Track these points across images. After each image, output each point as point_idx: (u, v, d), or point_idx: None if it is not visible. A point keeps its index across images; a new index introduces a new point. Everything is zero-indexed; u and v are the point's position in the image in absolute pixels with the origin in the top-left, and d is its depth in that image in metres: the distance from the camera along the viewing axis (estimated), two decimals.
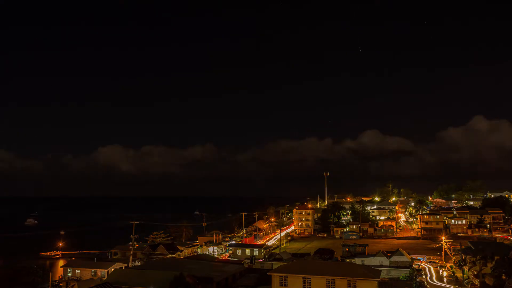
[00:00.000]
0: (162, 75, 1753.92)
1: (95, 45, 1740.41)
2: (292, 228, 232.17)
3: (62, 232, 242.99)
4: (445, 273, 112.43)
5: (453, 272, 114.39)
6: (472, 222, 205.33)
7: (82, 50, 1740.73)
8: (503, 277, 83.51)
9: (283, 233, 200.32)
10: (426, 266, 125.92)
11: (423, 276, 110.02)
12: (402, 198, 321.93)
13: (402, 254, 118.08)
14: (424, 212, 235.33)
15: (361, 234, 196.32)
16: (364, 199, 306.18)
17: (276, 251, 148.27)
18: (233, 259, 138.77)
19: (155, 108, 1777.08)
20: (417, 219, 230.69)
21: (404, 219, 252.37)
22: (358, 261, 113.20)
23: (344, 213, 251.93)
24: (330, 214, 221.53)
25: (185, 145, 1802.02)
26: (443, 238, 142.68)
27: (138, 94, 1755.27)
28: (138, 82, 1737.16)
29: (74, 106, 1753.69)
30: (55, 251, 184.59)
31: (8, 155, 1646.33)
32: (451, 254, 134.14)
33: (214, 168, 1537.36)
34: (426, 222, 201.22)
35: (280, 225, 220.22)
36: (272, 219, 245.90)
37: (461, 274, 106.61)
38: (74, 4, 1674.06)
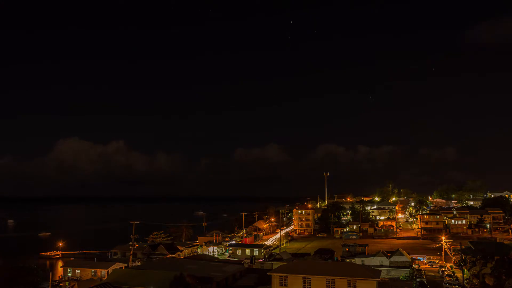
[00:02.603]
0: None
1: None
2: (292, 227, 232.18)
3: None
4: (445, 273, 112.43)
5: (453, 272, 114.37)
6: (472, 222, 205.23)
7: None
8: (503, 277, 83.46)
9: (282, 232, 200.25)
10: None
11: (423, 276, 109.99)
12: (402, 198, 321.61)
13: (402, 254, 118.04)
14: (424, 212, 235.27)
15: (361, 234, 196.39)
16: (364, 199, 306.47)
17: (276, 251, 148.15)
18: (233, 259, 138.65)
19: None
20: (417, 219, 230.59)
21: (404, 219, 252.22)
22: (358, 261, 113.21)
23: (344, 213, 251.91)
24: (330, 214, 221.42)
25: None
26: (443, 238, 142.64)
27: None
28: None
29: None
30: (55, 251, 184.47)
31: None
32: (451, 254, 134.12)
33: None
34: (426, 222, 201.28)
35: (280, 225, 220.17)
36: (272, 219, 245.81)
37: (461, 274, 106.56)
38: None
